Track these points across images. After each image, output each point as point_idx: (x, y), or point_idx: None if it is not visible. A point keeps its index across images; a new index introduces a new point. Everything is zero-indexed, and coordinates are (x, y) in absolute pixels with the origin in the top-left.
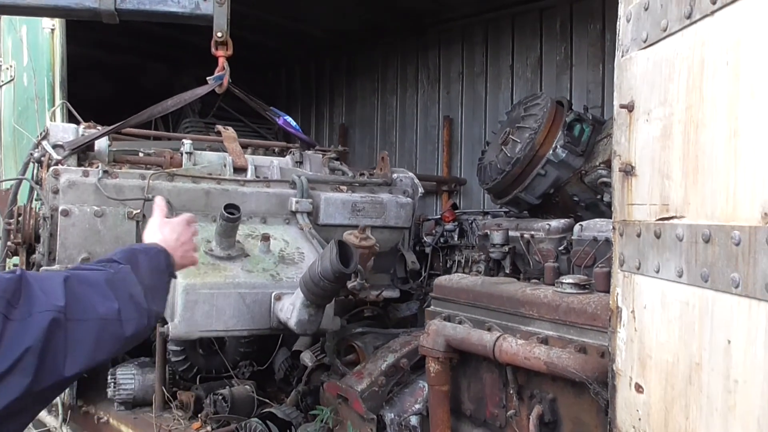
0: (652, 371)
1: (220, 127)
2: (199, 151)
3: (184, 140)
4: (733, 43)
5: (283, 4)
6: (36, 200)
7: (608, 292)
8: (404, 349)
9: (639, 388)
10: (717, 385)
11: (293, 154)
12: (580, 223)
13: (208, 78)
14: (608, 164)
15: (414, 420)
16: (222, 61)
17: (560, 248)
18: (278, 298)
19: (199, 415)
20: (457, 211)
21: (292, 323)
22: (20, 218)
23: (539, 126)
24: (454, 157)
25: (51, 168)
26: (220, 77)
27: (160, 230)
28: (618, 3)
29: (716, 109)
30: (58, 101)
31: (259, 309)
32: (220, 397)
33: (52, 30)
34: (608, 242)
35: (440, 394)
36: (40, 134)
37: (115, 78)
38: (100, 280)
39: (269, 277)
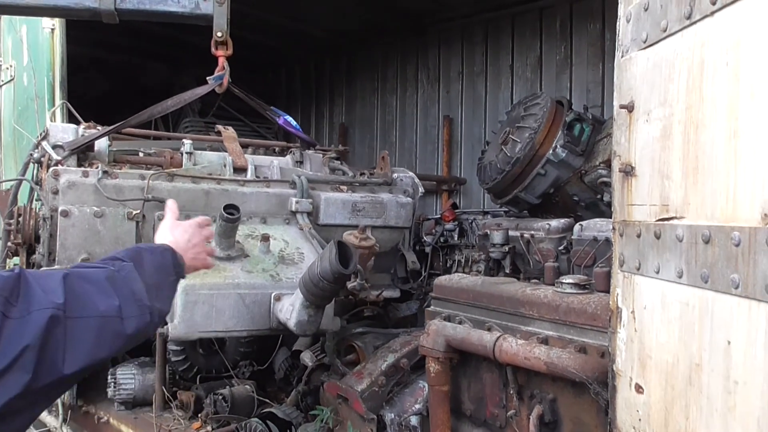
0: (652, 372)
1: (220, 127)
2: (199, 151)
3: (184, 140)
4: (733, 43)
5: (283, 3)
6: (36, 201)
7: (608, 292)
8: (404, 349)
9: (639, 389)
10: (717, 386)
11: (293, 153)
12: (580, 222)
13: (208, 78)
14: (608, 164)
15: (414, 420)
16: (222, 61)
17: (560, 248)
18: (278, 298)
19: (200, 415)
20: (457, 210)
21: (291, 324)
22: (20, 219)
23: (539, 126)
24: (454, 156)
25: (51, 168)
26: (220, 77)
27: (171, 232)
28: (618, 3)
29: (716, 110)
30: (58, 101)
31: (259, 310)
32: (221, 397)
33: (52, 30)
34: (608, 242)
35: (440, 394)
36: (40, 135)
37: (115, 77)
38: (100, 277)
39: (269, 277)
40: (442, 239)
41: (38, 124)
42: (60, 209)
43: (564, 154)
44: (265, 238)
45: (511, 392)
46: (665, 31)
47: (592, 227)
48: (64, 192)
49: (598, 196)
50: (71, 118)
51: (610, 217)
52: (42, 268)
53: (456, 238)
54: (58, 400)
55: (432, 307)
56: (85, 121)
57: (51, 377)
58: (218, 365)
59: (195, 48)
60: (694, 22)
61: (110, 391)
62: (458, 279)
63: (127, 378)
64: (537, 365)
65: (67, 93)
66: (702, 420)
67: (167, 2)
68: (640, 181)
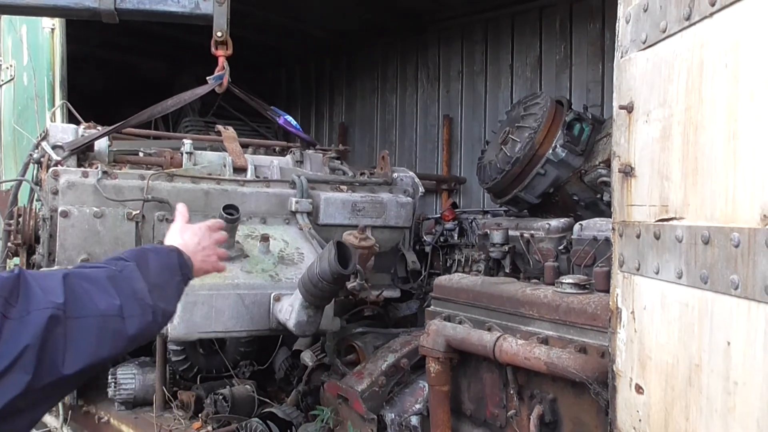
0: (652, 372)
1: (220, 127)
2: (199, 151)
3: (184, 140)
4: (732, 45)
5: (283, 3)
6: (36, 201)
7: (608, 291)
8: (404, 348)
9: (639, 389)
10: (717, 387)
11: (294, 153)
12: (580, 222)
13: (208, 78)
14: (608, 163)
15: (414, 420)
16: (222, 61)
17: (560, 247)
18: (277, 298)
19: (200, 415)
20: (456, 210)
21: (290, 324)
22: (20, 219)
23: (539, 125)
24: (454, 155)
25: (50, 169)
26: (220, 77)
27: (181, 234)
28: (617, 3)
29: (715, 111)
30: (58, 101)
31: (258, 310)
32: (221, 397)
33: (52, 29)
34: (608, 241)
35: (440, 394)
36: (40, 135)
37: (116, 77)
38: (101, 276)
39: (268, 277)
40: (442, 239)
41: (38, 124)
42: (60, 209)
43: (564, 154)
44: (265, 239)
45: (512, 392)
46: (664, 32)
47: (592, 227)
48: (63, 192)
49: (598, 196)
50: (71, 118)
51: (610, 217)
52: (42, 269)
53: (456, 238)
54: None
55: (432, 307)
56: (86, 121)
57: (50, 377)
58: (218, 365)
59: (195, 47)
60: (694, 24)
61: (111, 391)
62: (458, 279)
63: (127, 378)
64: (537, 365)
65: (67, 92)
66: (702, 421)
67: (167, 2)
68: (639, 182)
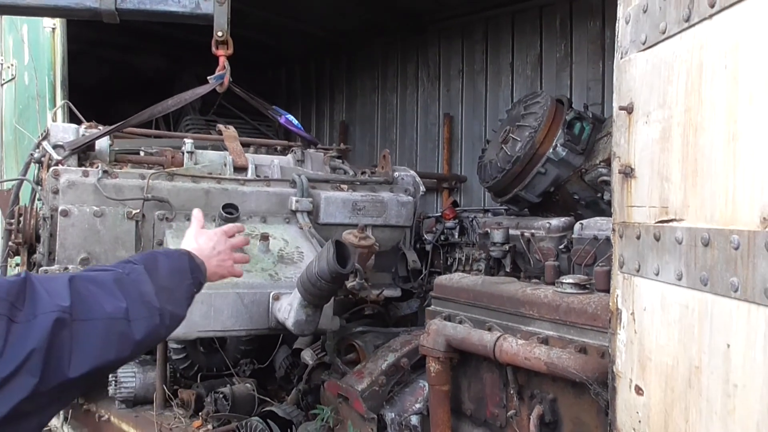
0: (652, 373)
1: (221, 127)
2: (200, 150)
3: (185, 139)
4: (732, 46)
5: (284, 3)
6: (37, 200)
7: (609, 291)
8: (405, 348)
9: (639, 390)
10: (716, 389)
11: (295, 152)
12: (581, 221)
13: (208, 77)
14: (608, 162)
15: (414, 419)
16: (222, 60)
17: (561, 247)
18: (276, 297)
19: (200, 414)
20: (457, 208)
21: (289, 323)
22: (21, 218)
23: (539, 124)
24: (455, 154)
25: (51, 168)
26: (221, 76)
27: (196, 239)
28: (617, 1)
29: (715, 113)
30: (59, 100)
31: (258, 309)
32: (221, 396)
33: (53, 29)
34: (609, 241)
35: (441, 394)
36: (41, 134)
37: (117, 76)
38: (107, 279)
39: (268, 276)
40: (442, 237)
41: (39, 124)
42: (60, 209)
43: (564, 153)
44: (265, 238)
45: (512, 392)
46: (664, 33)
47: (593, 226)
48: (64, 192)
49: (599, 195)
50: (73, 118)
51: (611, 216)
52: (41, 269)
53: (456, 237)
54: None
55: (432, 306)
56: (87, 120)
57: (56, 380)
58: (219, 363)
59: (196, 46)
60: (693, 25)
61: (111, 390)
62: (458, 278)
63: (127, 376)
64: (537, 365)
65: (68, 91)
66: (701, 422)
67: (168, 2)
68: (639, 183)
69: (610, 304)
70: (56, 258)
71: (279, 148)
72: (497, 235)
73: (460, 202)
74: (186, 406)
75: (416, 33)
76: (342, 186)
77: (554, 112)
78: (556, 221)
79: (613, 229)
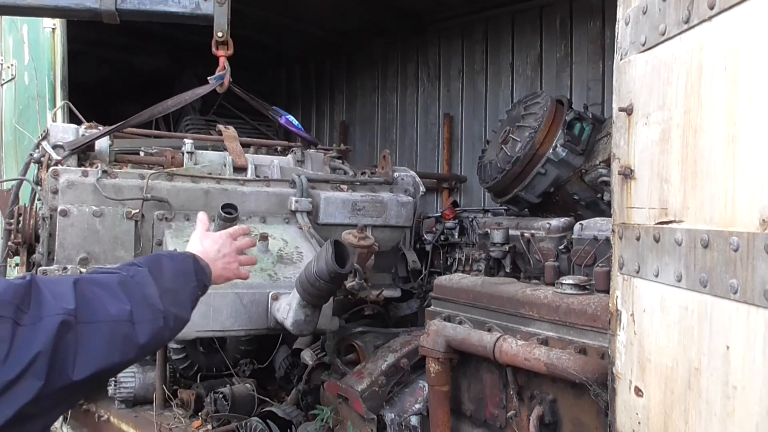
0: (652, 375)
1: (221, 127)
2: (200, 151)
3: (185, 140)
4: (731, 48)
5: (283, 3)
6: (37, 200)
7: (608, 292)
8: (404, 348)
9: (638, 392)
10: (716, 391)
11: (295, 153)
12: (581, 221)
13: (209, 78)
14: (608, 163)
15: (414, 420)
16: (222, 61)
17: (560, 247)
18: (275, 297)
19: (200, 414)
20: (457, 208)
21: (288, 323)
22: (21, 218)
23: (539, 125)
24: (455, 154)
25: (50, 168)
26: (221, 77)
27: (201, 242)
28: (617, 1)
29: (714, 114)
30: (59, 100)
31: (257, 309)
32: (221, 396)
33: (53, 29)
34: (608, 241)
35: (440, 395)
36: (41, 135)
37: (117, 75)
38: (112, 282)
39: (267, 276)
40: (442, 237)
41: (39, 124)
42: (59, 209)
43: (564, 153)
44: (264, 238)
45: (511, 393)
46: (664, 34)
47: (593, 226)
48: (63, 191)
49: (599, 195)
50: (72, 118)
51: (611, 217)
52: (40, 269)
53: (456, 237)
54: None
55: (432, 307)
56: (87, 120)
57: (60, 383)
58: (219, 363)
59: (196, 46)
60: (693, 27)
61: (111, 390)
62: (458, 279)
63: (127, 376)
64: (537, 366)
65: (68, 91)
66: (701, 424)
67: (168, 2)
68: (639, 184)
69: (610, 305)
70: (55, 258)
71: (279, 148)
72: (497, 236)
73: (460, 202)
74: (186, 407)
75: (416, 33)
76: (342, 186)
77: (554, 112)
78: (556, 222)
79: (613, 231)
